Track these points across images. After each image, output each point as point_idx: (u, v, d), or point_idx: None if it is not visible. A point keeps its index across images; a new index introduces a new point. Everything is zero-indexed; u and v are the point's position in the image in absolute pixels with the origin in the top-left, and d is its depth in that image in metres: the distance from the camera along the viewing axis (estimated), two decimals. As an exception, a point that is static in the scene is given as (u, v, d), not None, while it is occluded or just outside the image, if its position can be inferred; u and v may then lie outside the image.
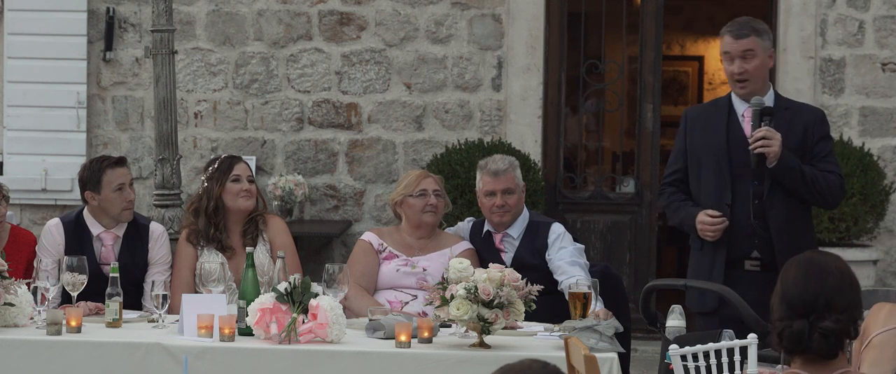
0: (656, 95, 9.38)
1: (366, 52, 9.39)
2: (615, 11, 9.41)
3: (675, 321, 5.04)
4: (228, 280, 6.02)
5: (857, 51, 9.18)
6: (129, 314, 5.60)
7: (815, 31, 9.17)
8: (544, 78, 9.32)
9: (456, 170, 8.60)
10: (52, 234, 6.12)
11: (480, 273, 4.98)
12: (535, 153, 9.12)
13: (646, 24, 9.38)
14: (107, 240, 6.14)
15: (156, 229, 6.25)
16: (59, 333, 5.20)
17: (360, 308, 5.76)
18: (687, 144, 5.79)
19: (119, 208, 6.11)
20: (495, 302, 4.91)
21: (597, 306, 5.39)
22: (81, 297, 5.55)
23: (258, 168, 9.33)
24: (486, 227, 6.20)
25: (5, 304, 5.26)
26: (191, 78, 9.45)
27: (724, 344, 4.49)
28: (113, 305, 5.38)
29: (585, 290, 5.35)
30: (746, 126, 5.63)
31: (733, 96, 5.73)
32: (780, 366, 4.35)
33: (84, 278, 5.49)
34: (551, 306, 5.61)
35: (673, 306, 5.11)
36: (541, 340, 5.25)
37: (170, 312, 5.55)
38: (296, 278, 5.12)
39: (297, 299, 5.08)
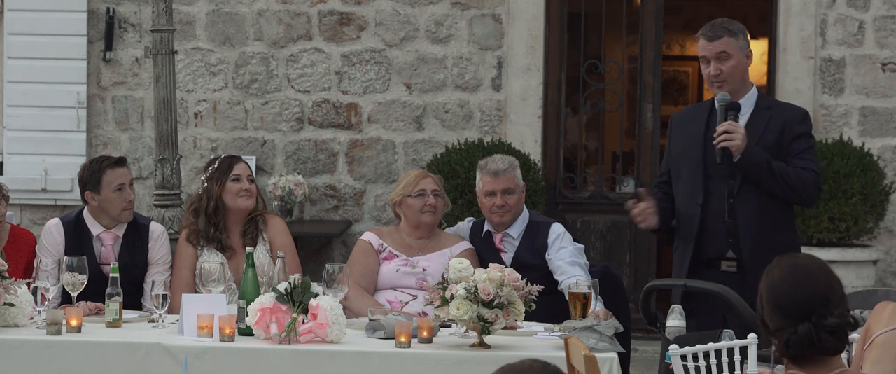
0: (656, 95, 9.39)
1: (366, 52, 9.39)
2: (615, 11, 9.41)
3: (675, 321, 5.04)
4: (228, 280, 6.02)
5: (857, 51, 9.18)
6: (129, 314, 5.60)
7: (815, 31, 9.16)
8: (544, 78, 9.32)
9: (456, 170, 8.60)
10: (52, 234, 6.12)
11: (480, 273, 4.98)
12: (535, 153, 9.12)
13: (646, 24, 9.38)
14: (107, 240, 6.14)
15: (156, 229, 6.25)
16: (59, 333, 5.20)
17: (360, 308, 5.76)
18: (671, 146, 5.83)
19: (119, 208, 6.11)
20: (495, 302, 4.91)
21: (597, 306, 5.38)
22: (81, 297, 5.54)
23: (258, 168, 9.33)
24: (486, 227, 6.20)
25: (5, 304, 5.26)
26: (191, 78, 9.45)
27: (724, 344, 4.49)
28: (113, 305, 5.38)
29: (585, 290, 5.35)
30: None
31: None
32: (779, 366, 4.35)
33: (84, 278, 5.49)
34: (551, 306, 5.61)
35: (673, 306, 5.11)
36: (541, 340, 5.25)
37: (170, 312, 5.55)
38: (296, 278, 5.12)
39: (297, 299, 5.08)
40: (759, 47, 12.12)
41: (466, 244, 6.16)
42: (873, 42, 9.17)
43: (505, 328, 5.05)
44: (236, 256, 6.10)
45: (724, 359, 4.46)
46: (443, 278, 5.09)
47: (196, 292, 5.98)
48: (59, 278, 5.53)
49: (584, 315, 5.28)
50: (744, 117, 5.60)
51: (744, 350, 4.44)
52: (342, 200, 9.43)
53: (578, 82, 9.50)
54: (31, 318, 5.39)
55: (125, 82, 9.46)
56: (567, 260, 5.94)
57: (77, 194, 6.61)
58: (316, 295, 5.10)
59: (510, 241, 6.16)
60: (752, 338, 4.39)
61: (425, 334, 5.13)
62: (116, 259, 5.87)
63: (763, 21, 10.03)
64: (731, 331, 4.69)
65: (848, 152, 8.61)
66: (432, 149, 9.26)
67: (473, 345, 5.05)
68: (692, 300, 5.41)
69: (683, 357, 4.42)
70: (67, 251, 5.92)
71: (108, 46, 9.40)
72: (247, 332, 5.17)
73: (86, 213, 6.17)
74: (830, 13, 9.17)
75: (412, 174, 6.26)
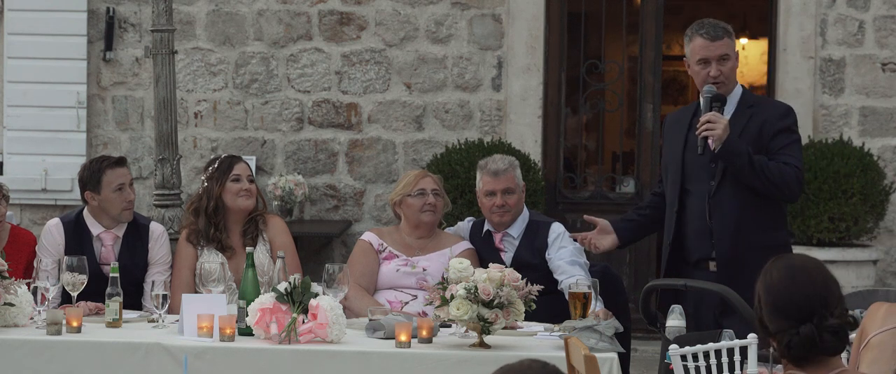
0: (656, 95, 9.39)
1: (366, 52, 9.39)
2: (615, 11, 9.41)
3: (675, 321, 5.04)
4: (228, 280, 6.02)
5: (857, 51, 9.18)
6: (129, 314, 5.60)
7: (815, 31, 9.16)
8: (544, 78, 9.32)
9: (456, 170, 8.60)
10: (52, 234, 6.12)
11: (480, 273, 4.98)
12: (535, 153, 9.12)
13: (646, 24, 9.38)
14: (107, 240, 6.14)
15: (156, 229, 6.25)
16: (59, 333, 5.20)
17: (360, 308, 5.76)
18: (663, 148, 5.86)
19: (119, 208, 6.11)
20: (495, 302, 4.92)
21: (597, 306, 5.39)
22: (81, 297, 5.55)
23: (258, 168, 9.33)
24: (486, 227, 6.20)
25: (5, 304, 5.26)
26: (191, 78, 9.45)
27: (724, 344, 4.49)
28: (113, 305, 5.39)
29: (585, 290, 5.35)
30: None
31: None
32: (779, 366, 4.35)
33: (84, 278, 5.49)
34: (551, 306, 5.61)
35: (673, 306, 5.11)
36: (541, 340, 5.25)
37: (170, 312, 5.55)
38: (296, 278, 5.12)
39: (297, 299, 5.08)
40: (759, 47, 12.16)
41: (466, 244, 6.16)
42: (873, 42, 9.17)
43: (505, 328, 5.05)
44: (236, 256, 6.10)
45: (724, 359, 4.46)
46: (443, 278, 5.09)
47: (196, 292, 5.98)
48: (59, 278, 5.53)
49: (584, 315, 5.28)
50: (727, 115, 5.60)
51: (744, 350, 4.44)
52: (342, 200, 9.43)
53: (578, 82, 9.50)
54: (31, 318, 5.39)
55: (125, 82, 9.46)
56: (567, 260, 5.94)
57: (77, 194, 6.61)
58: (316, 295, 5.10)
59: (510, 241, 6.16)
60: (752, 338, 4.39)
61: (425, 334, 5.13)
62: (116, 259, 5.87)
63: (763, 21, 10.03)
64: (731, 331, 4.69)
65: (848, 152, 8.61)
66: (432, 149, 9.26)
67: (473, 345, 5.05)
68: (684, 301, 5.40)
69: (683, 357, 4.42)
70: (67, 251, 5.92)
71: (108, 46, 9.40)
72: (247, 332, 5.17)
73: (86, 213, 6.17)
74: (830, 13, 9.17)
75: (412, 174, 6.26)
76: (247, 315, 5.15)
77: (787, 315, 3.39)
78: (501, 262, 5.95)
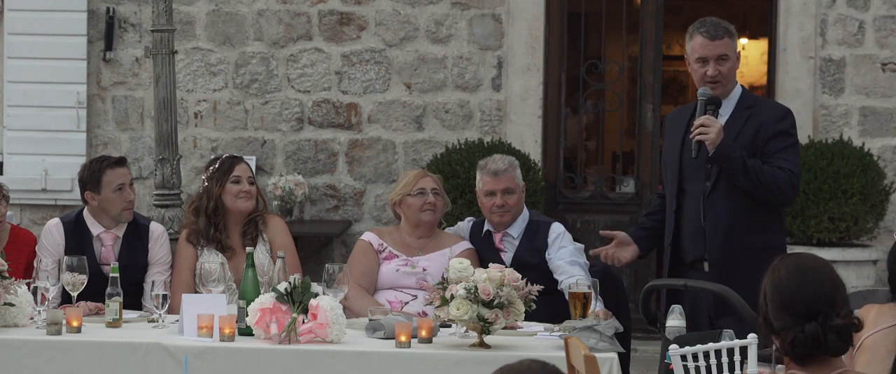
0: (656, 95, 9.38)
1: (366, 52, 9.39)
2: (615, 11, 9.41)
3: (675, 321, 5.03)
4: (228, 280, 6.02)
5: (857, 51, 9.17)
6: (129, 314, 5.60)
7: (815, 31, 9.16)
8: (544, 78, 9.32)
9: (456, 170, 8.60)
10: (52, 234, 6.12)
11: (480, 273, 4.98)
12: (535, 153, 9.12)
13: (646, 24, 9.38)
14: (107, 240, 6.14)
15: (156, 229, 6.25)
16: (59, 333, 5.20)
17: (360, 308, 5.76)
18: (663, 148, 5.87)
19: (119, 208, 6.11)
20: (495, 302, 4.91)
21: (597, 306, 5.39)
22: (81, 297, 5.55)
23: (258, 168, 9.33)
24: (486, 226, 6.20)
25: (5, 304, 5.26)
26: (191, 78, 9.45)
27: (724, 344, 4.49)
28: (113, 305, 5.39)
29: (585, 290, 5.35)
30: None
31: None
32: (780, 366, 4.35)
33: (84, 278, 5.49)
34: (551, 306, 5.61)
35: (673, 306, 5.11)
36: (541, 340, 5.25)
37: (170, 312, 5.55)
38: (296, 278, 5.12)
39: (297, 299, 5.08)
40: (759, 47, 12.16)
41: (466, 244, 6.16)
42: (873, 42, 9.16)
43: (505, 328, 5.05)
44: (236, 256, 6.10)
45: (724, 359, 4.46)
46: (443, 278, 5.09)
47: (196, 292, 5.98)
48: (59, 278, 5.53)
49: (584, 315, 5.28)
50: (725, 116, 5.60)
51: (744, 350, 4.43)
52: (342, 200, 9.43)
53: (578, 82, 9.50)
54: (31, 318, 5.39)
55: (125, 82, 9.46)
56: (567, 260, 5.95)
57: (77, 194, 6.61)
58: (316, 295, 5.10)
59: (510, 241, 6.16)
60: (752, 338, 4.39)
61: (425, 334, 5.13)
62: (116, 259, 5.87)
63: (763, 21, 10.03)
64: (731, 331, 4.69)
65: (848, 152, 8.60)
66: (432, 149, 9.26)
67: (473, 345, 5.05)
68: (681, 301, 5.40)
69: (683, 357, 4.42)
70: (67, 251, 5.92)
71: (108, 46, 9.40)
72: (247, 332, 5.17)
73: (86, 213, 6.17)
74: (830, 13, 9.17)
75: (411, 174, 6.26)
76: (247, 315, 5.15)
77: (793, 313, 3.40)
78: (501, 262, 5.95)
